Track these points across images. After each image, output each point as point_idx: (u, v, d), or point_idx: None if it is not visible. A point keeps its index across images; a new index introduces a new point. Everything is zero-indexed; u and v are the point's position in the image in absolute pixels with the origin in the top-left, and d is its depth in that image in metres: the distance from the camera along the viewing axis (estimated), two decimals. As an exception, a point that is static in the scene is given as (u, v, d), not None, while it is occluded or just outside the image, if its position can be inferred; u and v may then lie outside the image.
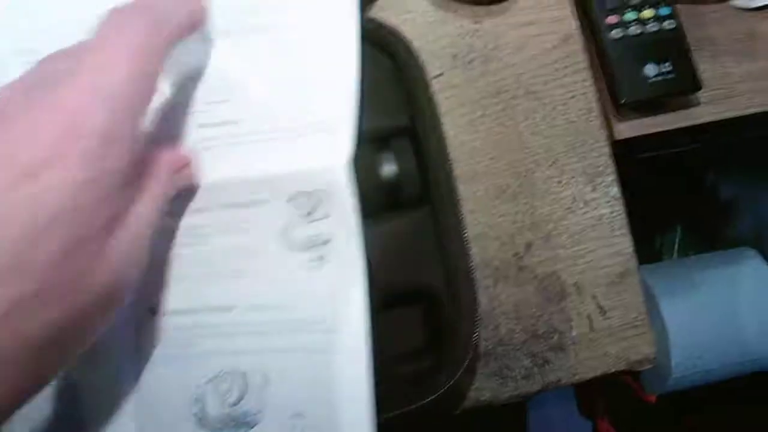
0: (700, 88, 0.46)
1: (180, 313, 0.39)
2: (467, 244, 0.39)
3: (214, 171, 0.40)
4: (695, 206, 0.76)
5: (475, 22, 0.47)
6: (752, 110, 0.49)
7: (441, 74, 0.46)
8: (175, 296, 0.39)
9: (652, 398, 0.58)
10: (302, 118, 0.40)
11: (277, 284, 0.38)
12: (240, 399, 0.37)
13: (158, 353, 0.39)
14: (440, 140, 0.41)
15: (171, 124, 0.41)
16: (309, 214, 0.38)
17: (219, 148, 0.40)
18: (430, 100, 0.41)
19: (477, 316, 0.38)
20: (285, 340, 0.37)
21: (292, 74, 0.40)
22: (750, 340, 0.57)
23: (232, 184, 0.40)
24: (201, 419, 0.37)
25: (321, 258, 0.38)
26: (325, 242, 0.38)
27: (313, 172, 0.39)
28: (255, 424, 0.36)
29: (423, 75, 0.42)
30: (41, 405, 0.38)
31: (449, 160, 0.41)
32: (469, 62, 0.47)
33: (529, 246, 0.44)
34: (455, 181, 0.40)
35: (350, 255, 0.37)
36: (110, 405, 0.39)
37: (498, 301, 0.43)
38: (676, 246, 0.80)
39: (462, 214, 0.40)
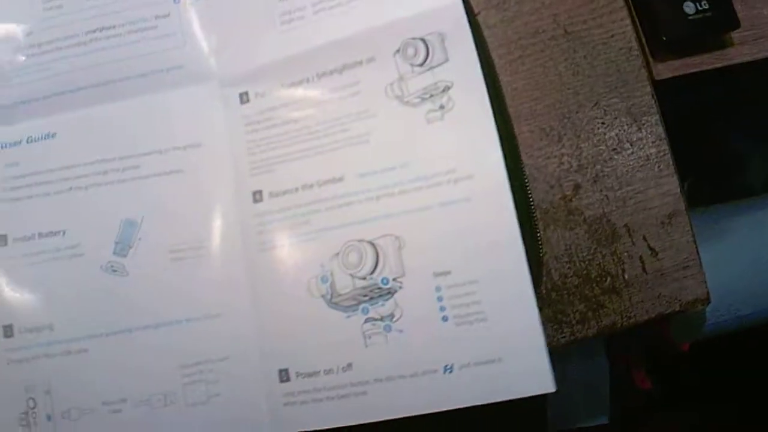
0: (738, 26, 0.46)
1: (290, 193, 0.37)
2: (528, 187, 0.38)
3: (305, 41, 0.38)
4: (701, 157, 0.76)
5: (508, -39, 0.46)
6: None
7: (477, 14, 0.44)
8: (283, 176, 0.37)
9: (686, 347, 0.58)
10: None
11: (396, 143, 0.36)
12: (374, 268, 0.34)
13: (269, 238, 0.36)
14: (493, 76, 0.39)
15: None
16: (423, 62, 0.36)
17: (308, 17, 0.38)
18: (480, 36, 0.39)
19: (542, 262, 0.37)
20: (413, 198, 0.35)
21: None
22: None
23: (327, 50, 0.37)
24: (331, 299, 0.35)
25: (442, 107, 0.35)
26: (446, 89, 0.36)
27: (422, 16, 0.36)
28: (396, 291, 0.34)
29: (470, 10, 0.40)
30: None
31: (503, 99, 0.39)
32: (504, 2, 0.45)
33: (577, 188, 0.43)
34: (511, 120, 0.39)
35: (476, 97, 0.35)
36: (219, 294, 0.36)
37: (549, 246, 0.41)
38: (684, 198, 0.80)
39: (519, 152, 0.38)
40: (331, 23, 0.37)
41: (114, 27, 0.40)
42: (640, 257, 0.42)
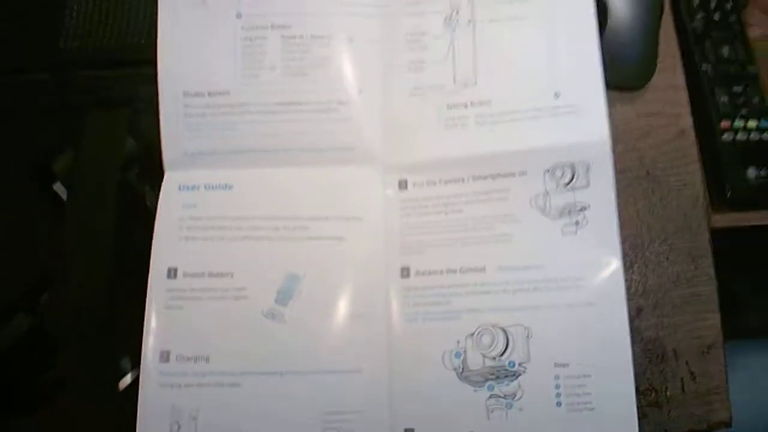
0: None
1: (435, 274, 0.42)
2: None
3: (466, 146, 0.44)
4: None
5: (609, 106, 0.53)
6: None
7: (578, 147, 0.52)
8: (430, 258, 0.42)
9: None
10: (551, 100, 0.43)
11: (534, 247, 0.42)
12: (503, 351, 0.40)
13: (411, 311, 0.41)
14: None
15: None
16: (568, 183, 0.42)
17: (470, 126, 0.44)
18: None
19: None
20: (545, 296, 0.41)
21: (538, 60, 0.44)
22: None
23: (485, 159, 0.43)
24: (462, 373, 0.40)
25: (577, 223, 0.42)
26: (582, 209, 0.42)
27: (576, 145, 0.42)
28: (520, 375, 0.40)
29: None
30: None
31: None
32: (601, 140, 0.53)
33: (639, 311, 0.50)
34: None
35: (606, 221, 0.41)
36: (362, 353, 0.41)
37: (610, 357, 0.49)
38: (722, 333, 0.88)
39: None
40: (491, 137, 0.43)
41: (301, 104, 0.45)
42: (681, 378, 0.49)
